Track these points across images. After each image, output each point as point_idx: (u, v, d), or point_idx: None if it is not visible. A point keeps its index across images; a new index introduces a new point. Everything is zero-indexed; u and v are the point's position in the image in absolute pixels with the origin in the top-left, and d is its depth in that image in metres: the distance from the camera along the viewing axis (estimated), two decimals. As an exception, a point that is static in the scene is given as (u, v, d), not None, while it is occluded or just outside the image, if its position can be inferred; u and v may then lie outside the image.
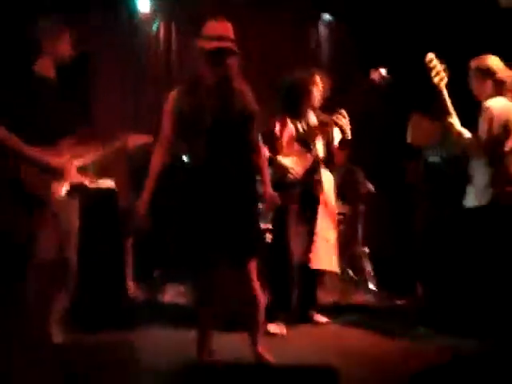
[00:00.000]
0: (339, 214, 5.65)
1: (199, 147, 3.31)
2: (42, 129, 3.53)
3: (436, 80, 3.81)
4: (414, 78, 4.52)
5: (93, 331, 4.16)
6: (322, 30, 7.02)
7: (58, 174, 3.62)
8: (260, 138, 3.57)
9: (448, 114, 3.87)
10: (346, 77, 5.94)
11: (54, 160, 3.60)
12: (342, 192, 5.67)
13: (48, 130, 3.56)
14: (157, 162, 3.48)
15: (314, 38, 7.00)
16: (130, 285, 5.25)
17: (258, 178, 3.53)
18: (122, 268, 5.01)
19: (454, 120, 3.86)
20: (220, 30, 3.26)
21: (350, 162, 5.48)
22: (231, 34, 3.27)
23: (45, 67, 3.66)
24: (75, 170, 3.73)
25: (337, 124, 4.49)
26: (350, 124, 4.50)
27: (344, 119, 4.47)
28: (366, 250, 5.67)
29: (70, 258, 3.76)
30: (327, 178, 4.68)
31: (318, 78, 4.61)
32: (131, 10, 6.51)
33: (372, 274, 5.60)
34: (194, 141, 3.34)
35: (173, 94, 3.41)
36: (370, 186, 5.62)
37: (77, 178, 3.74)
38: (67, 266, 3.74)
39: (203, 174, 3.34)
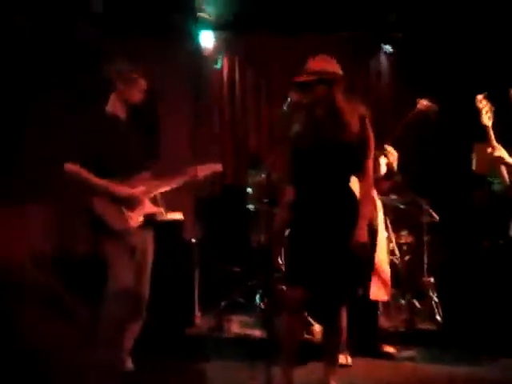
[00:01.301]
0: (404, 244, 5.65)
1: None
2: (114, 166, 3.68)
3: (485, 120, 3.93)
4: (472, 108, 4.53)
5: (160, 360, 4.25)
6: (383, 61, 7.04)
7: (132, 203, 3.75)
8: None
9: (494, 148, 3.94)
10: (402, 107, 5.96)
11: (128, 189, 3.73)
12: (406, 222, 5.67)
13: (120, 166, 3.70)
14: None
15: (375, 68, 7.03)
16: (197, 315, 5.33)
17: None
18: (191, 299, 5.10)
19: (502, 152, 3.94)
20: (309, 65, 3.57)
21: (413, 191, 5.47)
22: (319, 67, 3.53)
23: (116, 107, 3.82)
24: (149, 202, 3.86)
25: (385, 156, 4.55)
26: (406, 152, 4.54)
27: (391, 155, 4.53)
28: (432, 279, 5.60)
29: (143, 289, 3.86)
30: (378, 206, 4.70)
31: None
32: (195, 45, 6.65)
33: (438, 304, 5.51)
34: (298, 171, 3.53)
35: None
36: (435, 215, 5.57)
37: (150, 209, 3.86)
38: (141, 296, 3.84)
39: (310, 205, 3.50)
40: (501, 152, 4.02)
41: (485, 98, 4.14)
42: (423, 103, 4.60)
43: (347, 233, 3.45)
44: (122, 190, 3.70)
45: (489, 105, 4.09)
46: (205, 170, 4.05)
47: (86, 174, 3.61)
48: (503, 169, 4.18)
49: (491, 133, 4.10)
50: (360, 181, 3.58)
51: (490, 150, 4.08)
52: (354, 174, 3.59)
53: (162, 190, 3.96)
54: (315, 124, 3.53)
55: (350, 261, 3.44)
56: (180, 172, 4.00)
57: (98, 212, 3.63)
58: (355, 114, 3.54)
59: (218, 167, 4.12)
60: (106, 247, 3.67)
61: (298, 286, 3.49)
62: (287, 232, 3.67)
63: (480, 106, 4.10)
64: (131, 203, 3.73)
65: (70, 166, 3.61)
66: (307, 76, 3.53)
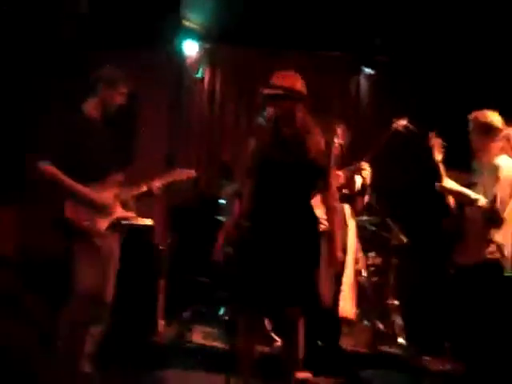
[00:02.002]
0: (372, 265, 5.68)
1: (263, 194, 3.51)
2: (87, 167, 3.66)
3: (436, 156, 4.31)
4: (449, 131, 4.61)
5: (120, 366, 4.21)
6: (363, 82, 7.11)
7: (103, 208, 3.73)
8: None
9: (441, 181, 4.21)
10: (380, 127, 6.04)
11: (99, 195, 3.71)
12: (374, 243, 5.70)
13: (93, 167, 3.69)
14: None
15: (354, 88, 7.09)
16: (160, 323, 5.29)
17: None
18: (154, 306, 5.06)
19: (448, 183, 4.10)
20: (274, 79, 3.61)
21: (383, 213, 5.52)
22: (283, 82, 3.56)
23: (93, 108, 3.81)
24: (119, 206, 3.84)
25: (360, 173, 4.60)
26: (380, 172, 4.60)
27: (365, 171, 4.58)
28: (397, 302, 5.63)
29: (107, 293, 3.83)
30: (351, 225, 4.73)
31: (338, 129, 4.72)
32: (178, 54, 6.63)
33: (402, 327, 5.54)
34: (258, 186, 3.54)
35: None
36: (403, 238, 5.62)
37: (120, 213, 3.85)
38: (104, 299, 3.81)
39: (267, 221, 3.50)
40: (448, 183, 4.20)
41: (436, 135, 4.33)
42: (399, 123, 4.68)
43: (303, 250, 3.48)
44: (93, 193, 3.68)
45: (440, 142, 4.29)
46: (178, 176, 4.05)
47: (60, 175, 3.59)
48: (450, 199, 4.31)
49: (442, 168, 4.30)
50: (324, 197, 3.60)
51: (439, 185, 4.23)
52: (318, 192, 3.61)
53: (134, 193, 3.95)
54: (276, 140, 3.55)
55: (305, 277, 3.47)
56: (154, 177, 3.99)
57: (68, 214, 3.60)
58: (317, 131, 3.57)
59: (192, 173, 4.12)
60: (72, 249, 3.65)
61: (250, 307, 3.49)
62: (238, 250, 3.68)
63: (432, 142, 4.31)
64: (101, 207, 3.71)
65: (44, 166, 3.58)
66: (271, 89, 3.57)
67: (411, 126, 4.70)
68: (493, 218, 4.02)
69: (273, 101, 3.56)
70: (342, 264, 4.53)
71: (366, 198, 4.80)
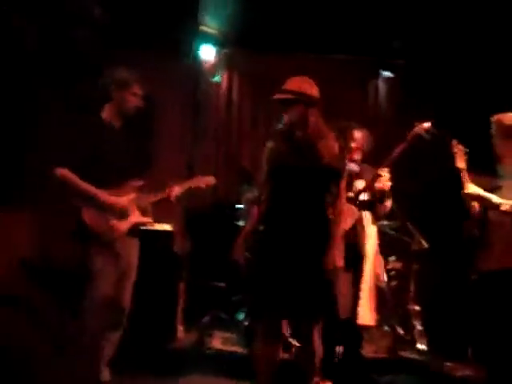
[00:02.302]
0: (392, 270, 5.63)
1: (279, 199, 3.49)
2: (105, 172, 3.66)
3: (459, 164, 4.23)
4: (469, 134, 4.55)
5: (139, 373, 4.21)
6: (381, 85, 7.07)
7: (121, 213, 3.73)
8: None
9: (465, 188, 4.16)
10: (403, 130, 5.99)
11: (117, 200, 3.71)
12: (395, 248, 5.65)
13: (111, 172, 3.68)
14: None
15: (372, 92, 7.05)
16: (179, 329, 5.29)
17: None
18: (174, 312, 5.06)
19: (471, 188, 4.06)
20: (286, 84, 3.61)
21: (404, 218, 5.47)
22: (295, 87, 3.55)
23: (111, 115, 3.81)
24: (137, 211, 3.84)
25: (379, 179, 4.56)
26: (400, 177, 4.56)
27: (385, 178, 4.53)
28: (418, 307, 5.58)
29: (125, 298, 3.82)
30: (371, 232, 4.68)
31: (355, 132, 4.67)
32: (196, 59, 6.65)
33: (423, 332, 5.49)
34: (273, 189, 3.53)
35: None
36: (424, 243, 5.56)
37: (138, 218, 3.84)
38: (122, 305, 3.81)
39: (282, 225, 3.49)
40: (471, 189, 4.14)
41: (459, 142, 4.28)
42: (421, 127, 4.61)
43: (318, 254, 3.45)
44: (111, 198, 3.68)
45: (462, 148, 4.24)
46: (198, 183, 4.05)
47: (77, 180, 3.59)
48: (474, 204, 4.25)
49: (465, 175, 4.24)
50: (332, 203, 3.58)
51: (463, 192, 4.18)
52: (327, 197, 3.59)
53: (152, 200, 3.95)
54: (289, 144, 3.55)
55: (319, 283, 3.44)
56: (173, 183, 3.99)
57: (86, 220, 3.60)
58: (331, 136, 3.54)
59: (211, 180, 4.11)
60: (90, 255, 3.64)
61: (268, 313, 3.47)
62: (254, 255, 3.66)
63: (455, 150, 4.25)
64: (119, 212, 3.71)
65: (62, 171, 3.59)
66: (281, 94, 3.58)
67: (433, 130, 4.64)
68: None
69: (284, 105, 3.56)
70: (360, 272, 4.51)
71: (388, 204, 4.73)
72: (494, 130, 4.16)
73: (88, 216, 3.61)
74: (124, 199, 3.75)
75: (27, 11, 5.21)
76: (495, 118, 4.16)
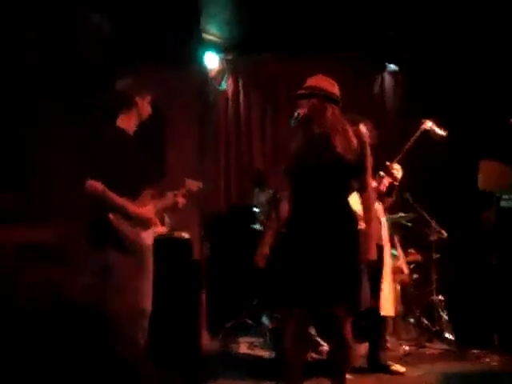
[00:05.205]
0: (412, 262, 5.62)
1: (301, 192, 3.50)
2: (124, 182, 3.64)
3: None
4: (480, 126, 4.55)
5: (165, 381, 4.21)
6: (387, 80, 7.07)
7: (147, 223, 3.73)
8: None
9: None
10: (408, 124, 6.00)
11: (145, 210, 3.71)
12: (414, 240, 5.64)
13: (130, 182, 3.67)
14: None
15: (378, 86, 7.05)
16: (205, 335, 5.29)
17: None
18: (197, 318, 5.05)
19: None
20: (307, 82, 3.65)
21: (421, 209, 5.46)
22: (314, 83, 3.61)
23: (128, 123, 3.79)
24: (157, 220, 3.84)
25: (389, 173, 4.56)
26: (413, 170, 4.57)
27: (396, 173, 4.54)
28: (441, 297, 5.56)
29: (147, 307, 3.81)
30: (383, 223, 4.69)
31: (361, 126, 4.68)
32: (200, 66, 6.61)
33: (448, 322, 5.48)
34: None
35: None
36: (443, 233, 5.55)
37: (160, 228, 3.85)
38: (143, 314, 3.79)
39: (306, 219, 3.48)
40: None
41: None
42: (428, 124, 4.64)
43: (344, 248, 3.43)
44: (140, 210, 3.67)
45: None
46: (190, 186, 4.04)
47: (108, 192, 3.57)
48: None
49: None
50: (361, 196, 3.58)
51: None
52: (356, 190, 3.59)
53: (164, 207, 3.95)
54: (307, 140, 3.54)
55: (349, 276, 3.41)
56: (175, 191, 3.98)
57: (117, 229, 3.58)
58: (350, 131, 3.53)
59: (199, 184, 4.11)
60: (117, 264, 3.61)
61: (297, 307, 3.47)
62: (278, 253, 3.64)
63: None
64: (145, 223, 3.71)
65: (94, 184, 3.57)
66: (300, 91, 3.61)
67: (439, 127, 4.66)
68: None
69: (302, 100, 3.57)
70: (380, 263, 4.50)
71: (393, 199, 4.76)
72: None
73: (118, 225, 3.59)
74: (149, 209, 3.75)
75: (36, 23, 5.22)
76: None
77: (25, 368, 3.77)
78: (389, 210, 4.95)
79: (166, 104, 6.00)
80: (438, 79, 6.43)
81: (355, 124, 4.60)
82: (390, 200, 4.74)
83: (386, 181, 4.63)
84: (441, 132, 4.72)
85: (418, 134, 4.67)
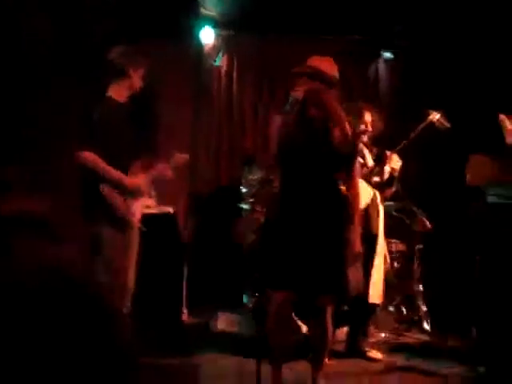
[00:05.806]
0: (396, 251, 5.63)
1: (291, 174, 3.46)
2: (118, 154, 3.62)
3: (509, 140, 4.09)
4: (472, 119, 4.54)
5: (143, 354, 4.20)
6: (382, 67, 7.03)
7: (140, 193, 3.70)
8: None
9: None
10: (403, 113, 5.98)
11: (137, 181, 3.69)
12: (398, 229, 5.64)
13: (122, 154, 3.65)
14: None
15: (373, 73, 7.02)
16: (184, 311, 5.29)
17: None
18: (178, 294, 5.06)
19: None
20: (308, 61, 3.63)
21: (409, 199, 5.46)
22: (313, 64, 3.59)
23: (120, 93, 3.76)
24: (149, 191, 3.82)
25: (390, 163, 4.55)
26: (407, 161, 4.55)
27: (396, 163, 4.53)
28: (421, 288, 5.59)
29: (129, 280, 3.81)
30: (380, 211, 4.69)
31: (366, 115, 4.66)
32: (196, 42, 6.58)
33: (427, 313, 5.51)
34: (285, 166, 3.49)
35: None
36: (428, 224, 5.56)
37: (146, 201, 3.83)
38: (125, 287, 3.79)
39: (294, 199, 3.48)
40: None
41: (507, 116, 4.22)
42: (436, 116, 4.63)
43: (333, 232, 3.42)
44: (133, 180, 3.65)
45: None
46: (178, 160, 4.01)
47: (101, 162, 3.54)
48: None
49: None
50: (346, 180, 3.56)
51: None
52: (340, 173, 3.56)
53: (154, 178, 3.92)
54: (302, 120, 3.51)
55: (335, 266, 3.41)
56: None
57: (109, 201, 3.55)
58: (344, 119, 3.50)
59: (186, 157, 4.08)
60: (107, 238, 3.57)
61: (282, 290, 3.46)
62: (267, 236, 3.64)
63: (502, 125, 4.22)
64: (136, 195, 3.68)
65: (86, 154, 3.53)
66: (301, 68, 3.59)
67: (445, 119, 4.65)
68: None
69: (300, 80, 3.54)
70: (372, 252, 4.51)
71: (394, 188, 4.75)
72: None
73: (109, 196, 3.56)
74: (141, 179, 3.72)
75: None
76: None
77: (11, 340, 3.72)
78: (387, 200, 4.96)
79: (159, 77, 5.95)
80: (434, 67, 6.41)
81: (361, 112, 4.60)
82: (390, 190, 4.74)
83: (387, 171, 4.64)
84: (447, 124, 4.71)
85: (423, 125, 4.65)
